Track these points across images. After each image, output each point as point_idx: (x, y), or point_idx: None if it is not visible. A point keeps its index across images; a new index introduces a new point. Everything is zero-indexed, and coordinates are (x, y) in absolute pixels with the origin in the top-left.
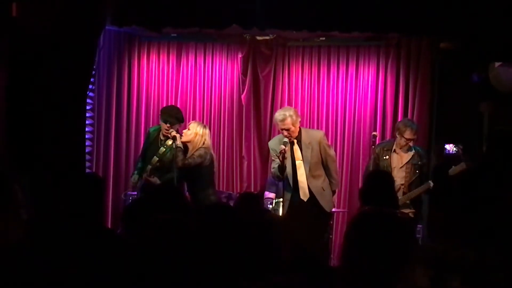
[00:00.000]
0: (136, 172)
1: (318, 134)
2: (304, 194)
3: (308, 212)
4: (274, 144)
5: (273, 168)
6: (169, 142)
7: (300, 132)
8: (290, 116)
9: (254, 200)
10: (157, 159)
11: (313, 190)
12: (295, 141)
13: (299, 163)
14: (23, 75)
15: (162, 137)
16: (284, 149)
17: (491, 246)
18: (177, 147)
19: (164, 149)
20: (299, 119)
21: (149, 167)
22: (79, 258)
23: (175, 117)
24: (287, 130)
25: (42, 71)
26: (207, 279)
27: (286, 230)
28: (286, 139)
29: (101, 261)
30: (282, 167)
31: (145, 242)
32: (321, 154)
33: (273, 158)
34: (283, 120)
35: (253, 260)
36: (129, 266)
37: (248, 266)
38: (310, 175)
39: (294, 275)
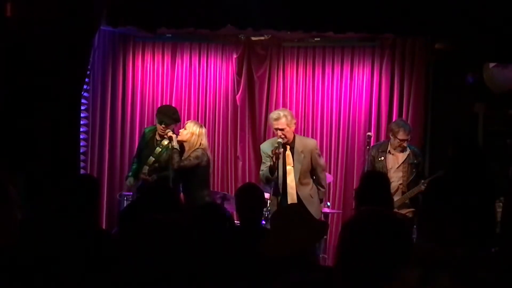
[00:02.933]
0: (130, 174)
1: (311, 143)
2: (292, 200)
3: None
4: (266, 147)
5: (262, 170)
6: (165, 142)
7: (294, 138)
8: (285, 116)
9: (255, 191)
10: (153, 159)
11: (301, 197)
12: (288, 147)
13: (289, 168)
14: (18, 75)
15: (158, 138)
16: (278, 150)
17: (479, 244)
18: (173, 148)
19: (160, 149)
20: (294, 122)
21: (146, 167)
22: (74, 259)
23: (171, 117)
24: (281, 130)
25: (36, 71)
26: (201, 279)
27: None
28: (280, 140)
29: (95, 261)
30: (273, 168)
31: (139, 243)
32: (312, 163)
33: (263, 161)
34: (277, 119)
35: (246, 260)
36: (123, 267)
37: (239, 266)
38: (299, 182)
39: (309, 274)
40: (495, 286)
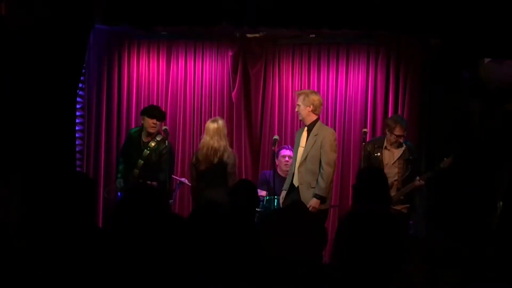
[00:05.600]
0: (119, 176)
1: (327, 131)
2: (296, 180)
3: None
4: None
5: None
6: (152, 143)
7: (315, 122)
8: (304, 94)
9: (250, 187)
10: (142, 162)
11: (301, 180)
12: (306, 128)
13: (301, 149)
14: (13, 74)
15: (144, 139)
16: (273, 146)
17: (486, 241)
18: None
19: (148, 152)
20: (312, 107)
21: (137, 171)
22: (72, 258)
23: (161, 113)
24: (297, 105)
25: (32, 70)
26: (200, 278)
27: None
28: (276, 137)
29: (93, 261)
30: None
31: (137, 242)
32: (320, 149)
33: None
34: (297, 95)
35: (242, 258)
36: (121, 266)
37: (237, 264)
38: (304, 165)
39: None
40: (501, 285)
